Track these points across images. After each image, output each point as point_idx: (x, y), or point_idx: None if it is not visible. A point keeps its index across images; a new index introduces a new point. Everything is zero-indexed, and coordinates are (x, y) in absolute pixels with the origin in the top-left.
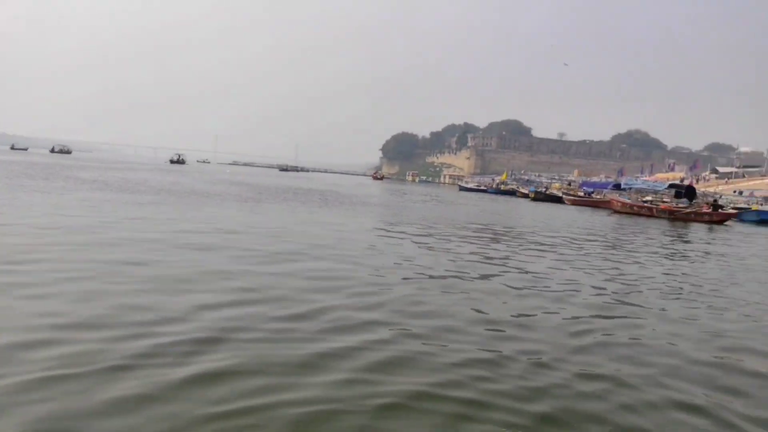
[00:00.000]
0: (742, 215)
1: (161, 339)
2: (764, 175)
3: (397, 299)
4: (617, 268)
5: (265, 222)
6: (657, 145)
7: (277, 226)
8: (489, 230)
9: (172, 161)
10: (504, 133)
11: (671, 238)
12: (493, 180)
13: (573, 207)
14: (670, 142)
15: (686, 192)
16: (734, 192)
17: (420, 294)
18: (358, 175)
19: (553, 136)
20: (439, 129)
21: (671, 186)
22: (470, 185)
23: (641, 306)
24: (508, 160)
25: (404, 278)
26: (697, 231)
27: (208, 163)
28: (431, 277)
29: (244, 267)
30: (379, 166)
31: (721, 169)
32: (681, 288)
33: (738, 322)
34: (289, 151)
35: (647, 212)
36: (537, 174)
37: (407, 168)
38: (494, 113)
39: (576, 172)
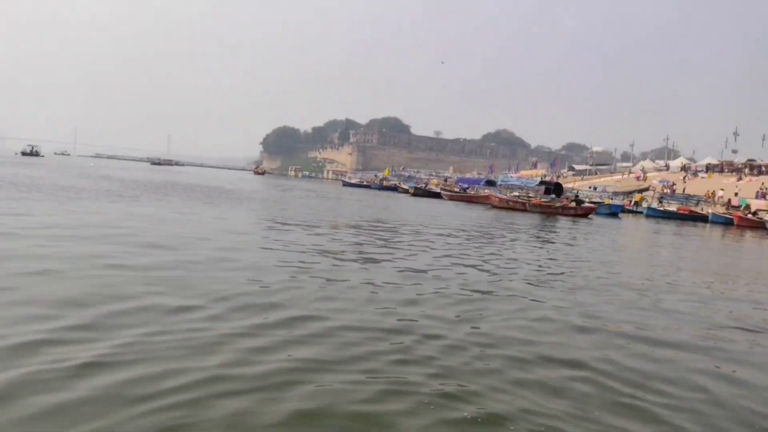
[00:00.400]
0: (596, 209)
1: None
2: (613, 173)
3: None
4: (497, 253)
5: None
6: (522, 144)
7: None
8: (377, 224)
9: (24, 153)
10: (384, 130)
11: (539, 230)
12: (376, 176)
13: (450, 202)
14: (533, 142)
15: (555, 188)
16: (589, 188)
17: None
18: (236, 169)
19: (431, 134)
20: (321, 124)
21: (542, 183)
22: (353, 181)
23: (512, 289)
24: (388, 157)
25: (277, 266)
26: (565, 223)
27: (68, 155)
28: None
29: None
30: (260, 161)
31: (577, 167)
32: (546, 267)
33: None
34: (160, 144)
35: (522, 207)
36: (416, 170)
37: (289, 163)
38: (375, 110)
39: (451, 168)
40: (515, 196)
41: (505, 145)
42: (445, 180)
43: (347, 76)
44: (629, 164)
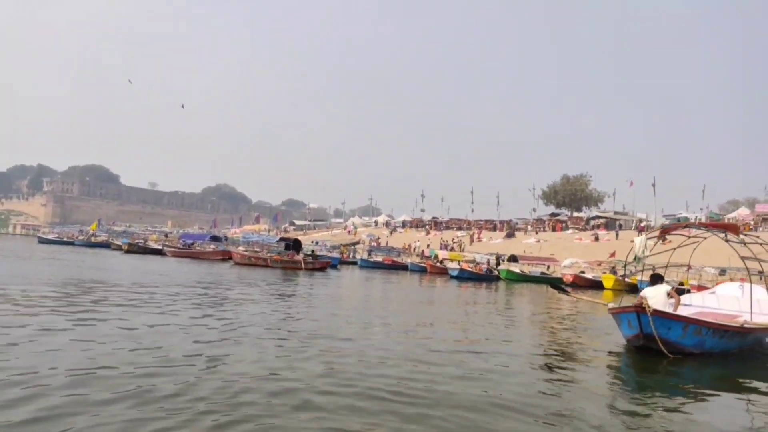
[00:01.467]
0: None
1: None
2: (329, 228)
3: None
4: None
5: None
6: (243, 198)
7: None
8: (81, 286)
9: None
10: (88, 179)
11: (276, 285)
12: (82, 231)
13: (174, 259)
14: (254, 197)
15: (294, 244)
16: (311, 242)
17: None
18: None
19: (145, 185)
20: (4, 169)
21: (281, 239)
22: (51, 236)
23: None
24: (94, 209)
25: None
26: (304, 277)
27: None
28: None
29: None
30: None
31: (297, 222)
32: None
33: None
34: None
35: (263, 263)
36: (128, 224)
37: None
38: (75, 156)
39: (170, 222)
40: (260, 252)
41: (226, 200)
42: (166, 235)
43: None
44: (341, 220)
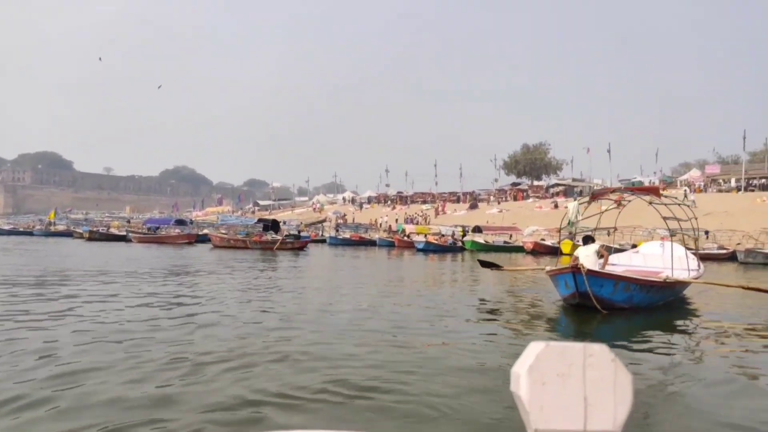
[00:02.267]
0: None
1: None
2: (294, 207)
3: None
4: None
5: None
6: (203, 180)
7: None
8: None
9: None
10: (40, 166)
11: (255, 264)
12: (41, 221)
13: (140, 245)
14: (215, 178)
15: (272, 225)
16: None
17: None
18: None
19: (100, 171)
20: None
21: (260, 221)
22: (7, 227)
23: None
24: (48, 198)
25: None
26: (284, 256)
27: None
28: None
29: None
30: None
31: (261, 202)
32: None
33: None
34: None
35: (243, 245)
36: (85, 212)
37: None
38: (24, 143)
39: (128, 208)
40: (240, 234)
41: (186, 182)
42: (128, 221)
43: None
44: (306, 198)
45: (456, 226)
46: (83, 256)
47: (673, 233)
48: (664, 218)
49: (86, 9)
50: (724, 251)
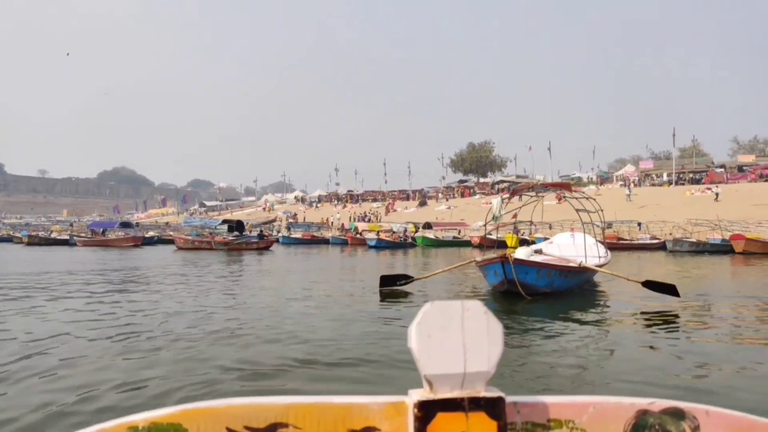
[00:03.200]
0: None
1: None
2: (242, 207)
3: None
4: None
5: None
6: (145, 181)
7: None
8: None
9: None
10: None
11: (223, 266)
12: None
13: (85, 248)
14: (156, 179)
15: (237, 226)
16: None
17: None
18: None
19: (34, 173)
20: None
21: (224, 222)
22: None
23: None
24: None
25: None
26: (249, 256)
27: None
28: None
29: None
30: None
31: (207, 203)
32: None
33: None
34: None
35: (207, 246)
36: (19, 216)
37: None
38: None
39: (65, 211)
40: (203, 236)
41: (126, 184)
42: (71, 225)
43: None
44: (254, 198)
45: (408, 223)
46: (34, 261)
47: (593, 225)
48: (577, 210)
49: None
50: (656, 241)
